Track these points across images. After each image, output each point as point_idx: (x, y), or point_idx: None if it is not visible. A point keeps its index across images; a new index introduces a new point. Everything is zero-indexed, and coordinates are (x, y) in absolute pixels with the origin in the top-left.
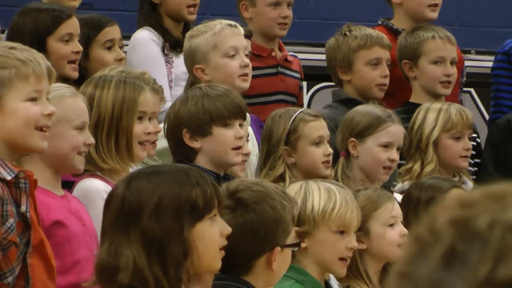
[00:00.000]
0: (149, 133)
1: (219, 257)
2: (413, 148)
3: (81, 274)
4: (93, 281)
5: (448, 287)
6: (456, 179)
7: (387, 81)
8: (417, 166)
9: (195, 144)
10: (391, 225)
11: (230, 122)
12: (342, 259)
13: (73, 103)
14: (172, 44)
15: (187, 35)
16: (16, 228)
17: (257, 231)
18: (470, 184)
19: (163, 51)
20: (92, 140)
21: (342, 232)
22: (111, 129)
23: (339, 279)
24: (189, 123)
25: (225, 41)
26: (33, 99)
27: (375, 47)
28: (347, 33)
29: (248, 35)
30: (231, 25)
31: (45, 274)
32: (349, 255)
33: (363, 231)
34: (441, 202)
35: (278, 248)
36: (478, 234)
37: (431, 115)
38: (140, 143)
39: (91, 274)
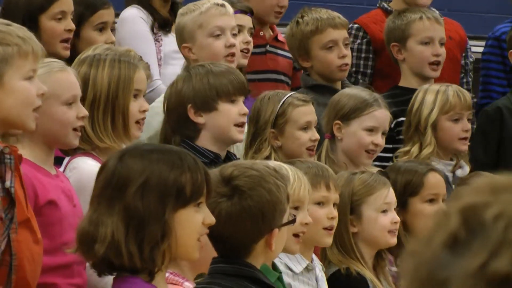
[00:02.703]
0: (144, 111)
1: (197, 246)
2: (411, 130)
3: (67, 256)
4: (75, 248)
5: (444, 274)
6: (454, 162)
7: (347, 60)
8: (415, 149)
9: (200, 120)
10: (384, 211)
11: (235, 98)
12: (295, 235)
13: (61, 78)
14: (161, 24)
15: (178, 12)
16: (1, 203)
17: (256, 217)
18: (467, 168)
19: (152, 29)
20: (85, 112)
21: (296, 208)
22: (107, 108)
23: (336, 261)
24: (194, 99)
25: (211, 21)
26: (29, 78)
27: (327, 30)
28: (299, 20)
29: (247, 11)
30: (218, 4)
31: (34, 249)
32: (304, 230)
33: (355, 215)
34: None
35: (277, 230)
36: (483, 225)
37: (429, 96)
38: (136, 121)
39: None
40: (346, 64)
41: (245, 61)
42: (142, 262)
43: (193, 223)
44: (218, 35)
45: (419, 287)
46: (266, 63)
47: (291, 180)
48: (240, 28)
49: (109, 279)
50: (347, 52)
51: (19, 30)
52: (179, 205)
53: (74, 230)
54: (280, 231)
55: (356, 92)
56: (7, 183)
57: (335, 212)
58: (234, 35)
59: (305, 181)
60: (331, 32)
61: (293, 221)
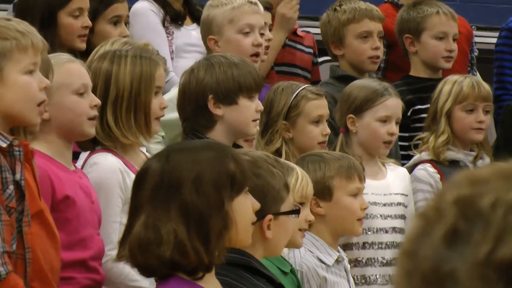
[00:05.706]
0: (163, 108)
1: (251, 231)
2: (429, 119)
3: (84, 251)
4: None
5: (449, 266)
6: (474, 153)
7: (379, 53)
8: (432, 137)
9: (218, 112)
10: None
11: (254, 95)
12: (300, 230)
13: (70, 67)
14: (173, 17)
15: (207, 4)
16: (14, 194)
17: None
18: (487, 160)
19: (163, 23)
20: (97, 101)
21: (301, 204)
22: (130, 105)
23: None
24: (217, 90)
25: (242, 18)
26: (30, 72)
27: (364, 20)
28: (337, 7)
29: (267, 7)
30: (251, 2)
31: (48, 242)
32: (307, 227)
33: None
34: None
35: (269, 216)
36: (481, 214)
37: (446, 87)
38: (156, 118)
39: (96, 250)
40: (378, 57)
41: (264, 57)
42: (208, 255)
43: (248, 209)
44: (247, 33)
45: (422, 284)
46: (283, 56)
47: (299, 176)
48: None
49: (128, 272)
50: (380, 45)
51: (18, 24)
52: (234, 194)
53: (91, 227)
54: (279, 220)
55: (365, 83)
56: (17, 176)
57: (366, 203)
58: (262, 34)
59: (310, 179)
60: (368, 22)
61: (295, 211)
